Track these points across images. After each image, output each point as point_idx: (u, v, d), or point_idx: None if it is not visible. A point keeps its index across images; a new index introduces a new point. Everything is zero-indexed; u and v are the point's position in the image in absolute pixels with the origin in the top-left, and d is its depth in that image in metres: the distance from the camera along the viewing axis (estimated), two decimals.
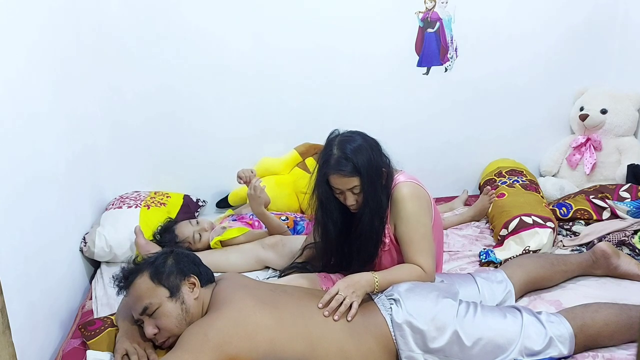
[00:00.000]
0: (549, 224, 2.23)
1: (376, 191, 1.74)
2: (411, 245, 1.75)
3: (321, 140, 1.88)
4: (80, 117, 2.41)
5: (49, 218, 1.98)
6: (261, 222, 2.38)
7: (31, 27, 1.97)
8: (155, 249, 2.20)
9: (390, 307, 1.60)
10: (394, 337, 1.56)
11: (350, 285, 1.63)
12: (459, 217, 2.57)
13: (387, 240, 1.82)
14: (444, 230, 2.48)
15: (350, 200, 1.77)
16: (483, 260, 2.16)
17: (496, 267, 2.10)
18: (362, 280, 1.67)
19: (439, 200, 2.89)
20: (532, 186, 2.58)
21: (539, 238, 2.17)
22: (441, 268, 2.04)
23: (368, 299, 1.67)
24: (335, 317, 1.57)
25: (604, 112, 2.76)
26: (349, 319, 1.57)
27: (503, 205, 2.40)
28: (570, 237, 2.34)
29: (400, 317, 1.56)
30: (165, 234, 2.35)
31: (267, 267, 2.23)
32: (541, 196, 2.55)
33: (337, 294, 1.61)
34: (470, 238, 2.41)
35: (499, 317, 1.59)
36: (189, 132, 2.74)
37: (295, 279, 1.91)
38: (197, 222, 2.39)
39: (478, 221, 2.57)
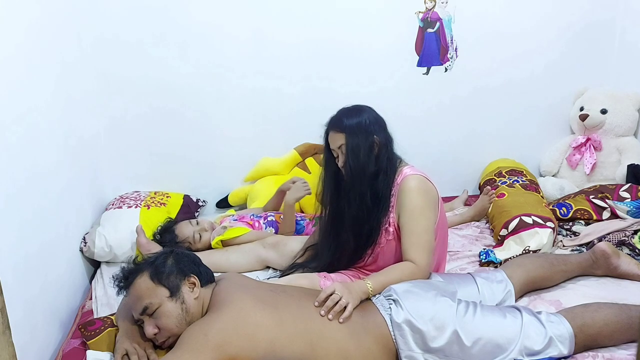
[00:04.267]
0: (549, 224, 2.23)
1: (358, 151, 1.77)
2: (410, 237, 1.76)
3: (321, 140, 1.89)
4: (80, 116, 2.41)
5: (49, 218, 1.98)
6: (261, 223, 2.39)
7: (30, 23, 1.96)
8: (156, 248, 2.20)
9: (390, 307, 1.60)
10: (393, 337, 1.56)
11: (346, 288, 1.64)
12: (459, 217, 2.57)
13: (391, 229, 1.83)
14: None
15: (340, 162, 1.82)
16: (483, 260, 2.16)
17: (496, 267, 2.10)
18: (356, 286, 1.68)
19: None
20: (532, 186, 2.58)
21: (539, 238, 2.17)
22: (444, 269, 2.04)
23: (367, 299, 1.68)
24: (330, 317, 1.57)
25: (604, 112, 2.76)
26: (341, 320, 1.57)
27: (503, 205, 2.40)
28: (570, 237, 2.34)
29: (399, 317, 1.56)
30: (165, 234, 2.35)
31: (268, 267, 2.23)
32: (541, 196, 2.55)
33: (333, 293, 1.62)
34: (470, 238, 2.41)
35: (498, 316, 1.59)
36: (189, 132, 2.74)
37: (296, 279, 1.91)
38: (197, 222, 2.39)
39: (478, 221, 2.57)
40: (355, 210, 1.81)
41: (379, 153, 1.81)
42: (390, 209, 1.83)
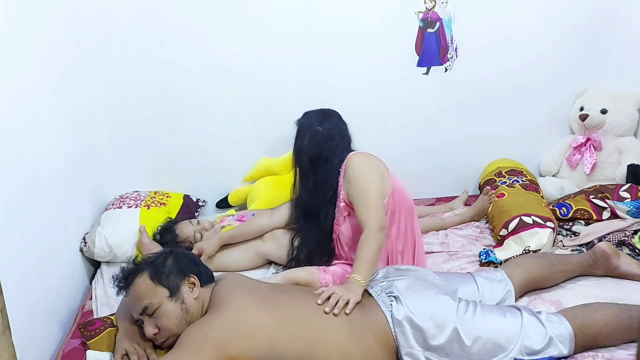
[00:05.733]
0: (549, 224, 2.23)
1: (301, 136, 2.07)
2: (359, 204, 1.86)
3: None
4: (81, 117, 2.41)
5: (49, 218, 1.99)
6: None
7: (32, 27, 1.97)
8: (158, 248, 2.21)
9: (391, 304, 1.60)
10: (394, 334, 1.56)
11: (344, 288, 1.67)
12: (459, 217, 2.57)
13: (342, 204, 1.97)
14: (444, 230, 2.49)
15: None
16: (483, 261, 2.16)
17: (496, 267, 2.10)
18: (352, 285, 1.69)
19: (439, 200, 2.89)
20: (532, 186, 2.57)
21: (539, 238, 2.17)
22: (422, 258, 2.06)
23: (368, 296, 1.68)
24: (336, 311, 1.58)
25: (604, 112, 2.76)
26: (347, 311, 1.59)
27: (503, 205, 2.40)
28: (570, 237, 2.34)
29: (400, 313, 1.57)
30: (166, 234, 2.35)
31: (269, 263, 2.24)
32: (541, 196, 2.55)
33: (334, 293, 1.63)
34: (470, 238, 2.41)
35: (498, 316, 1.60)
36: (189, 132, 2.74)
37: (294, 272, 1.96)
38: (198, 222, 2.40)
39: (478, 221, 2.57)
40: (301, 189, 2.09)
41: (321, 141, 2.00)
42: (339, 189, 1.98)
